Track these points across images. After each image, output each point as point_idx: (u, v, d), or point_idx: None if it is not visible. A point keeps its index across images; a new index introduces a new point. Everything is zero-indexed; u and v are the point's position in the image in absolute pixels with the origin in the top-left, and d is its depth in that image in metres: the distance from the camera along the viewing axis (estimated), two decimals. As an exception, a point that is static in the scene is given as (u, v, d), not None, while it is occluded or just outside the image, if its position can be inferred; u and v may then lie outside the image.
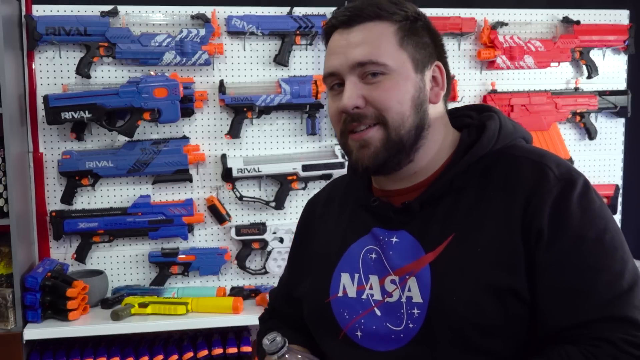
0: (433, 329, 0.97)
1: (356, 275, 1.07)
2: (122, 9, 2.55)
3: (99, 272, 2.58)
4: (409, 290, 1.00)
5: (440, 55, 1.08)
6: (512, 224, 0.96)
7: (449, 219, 1.01)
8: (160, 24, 2.59)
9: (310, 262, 1.18)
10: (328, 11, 2.67)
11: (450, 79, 1.10)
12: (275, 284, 2.84)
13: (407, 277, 1.01)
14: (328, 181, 2.75)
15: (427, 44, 1.05)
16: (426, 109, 1.04)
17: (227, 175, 2.62)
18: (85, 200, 2.62)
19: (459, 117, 1.12)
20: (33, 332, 2.31)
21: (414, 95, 1.02)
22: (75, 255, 2.60)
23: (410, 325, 0.99)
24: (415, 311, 0.99)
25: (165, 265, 2.64)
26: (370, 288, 1.05)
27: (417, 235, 1.02)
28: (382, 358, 1.01)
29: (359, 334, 1.04)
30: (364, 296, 1.05)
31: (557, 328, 0.93)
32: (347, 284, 1.08)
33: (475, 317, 0.95)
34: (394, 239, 1.04)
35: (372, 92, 1.01)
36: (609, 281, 0.92)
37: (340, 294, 1.08)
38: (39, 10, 2.51)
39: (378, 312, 1.03)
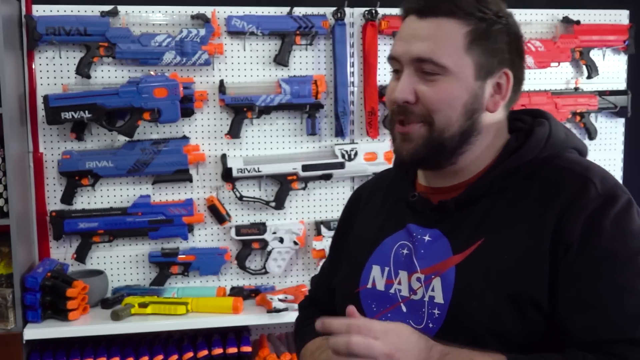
0: (451, 331, 0.97)
1: (386, 269, 1.07)
2: (122, 9, 2.55)
3: (99, 272, 2.58)
4: (432, 290, 1.00)
5: (512, 62, 1.04)
6: (542, 234, 0.95)
7: (481, 222, 1.00)
8: (160, 24, 2.59)
9: (348, 252, 1.19)
10: (328, 11, 2.67)
11: (520, 86, 1.07)
12: (275, 284, 2.86)
13: (432, 276, 1.01)
14: (328, 181, 2.77)
15: (499, 50, 1.01)
16: (478, 116, 1.02)
17: (227, 175, 2.62)
18: (85, 200, 2.62)
19: (512, 121, 1.10)
20: (33, 332, 2.31)
21: (467, 102, 1.00)
22: (75, 255, 2.59)
23: (430, 325, 1.00)
24: (436, 311, 0.99)
25: (165, 265, 2.64)
26: (399, 283, 1.05)
27: (449, 236, 1.02)
28: None
29: None
30: (392, 290, 1.06)
31: (578, 342, 0.92)
32: (377, 277, 1.08)
33: (492, 324, 0.95)
34: (427, 237, 1.04)
35: (425, 90, 1.00)
36: (634, 303, 0.92)
37: (369, 285, 1.09)
38: (39, 10, 2.51)
39: (404, 309, 1.04)
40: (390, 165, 1.26)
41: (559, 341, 0.94)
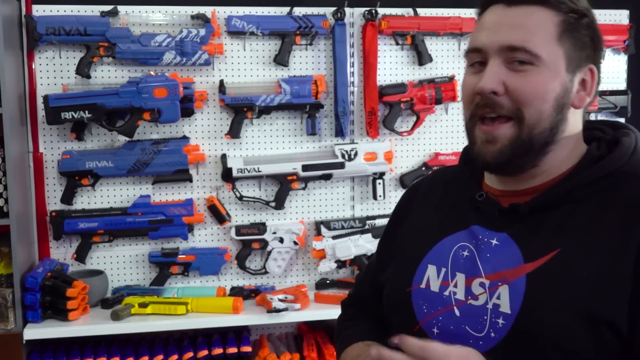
0: (516, 343, 0.92)
1: (443, 270, 1.02)
2: (122, 9, 2.55)
3: (99, 272, 2.58)
4: (498, 298, 0.94)
5: (596, 59, 1.00)
6: (626, 255, 0.89)
7: (557, 231, 0.94)
8: (160, 24, 2.59)
9: (400, 248, 1.14)
10: (328, 11, 2.67)
11: (598, 86, 1.02)
12: (275, 284, 2.85)
13: (499, 283, 0.95)
14: (328, 181, 2.76)
15: (586, 44, 0.97)
16: (567, 112, 0.97)
17: (227, 175, 2.62)
18: (85, 200, 2.62)
19: (590, 130, 1.05)
20: (33, 332, 2.31)
21: (559, 95, 0.95)
22: (75, 255, 2.60)
23: (492, 335, 0.94)
24: (500, 321, 0.93)
25: (165, 265, 2.64)
26: (455, 286, 1.00)
27: (520, 242, 0.96)
28: None
29: (435, 330, 1.00)
30: (447, 293, 1.01)
31: None
32: (432, 277, 1.03)
33: (563, 341, 0.89)
34: (494, 241, 0.99)
35: (515, 81, 0.94)
36: None
37: (423, 285, 1.04)
38: (39, 10, 2.51)
39: (457, 312, 0.98)
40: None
41: None
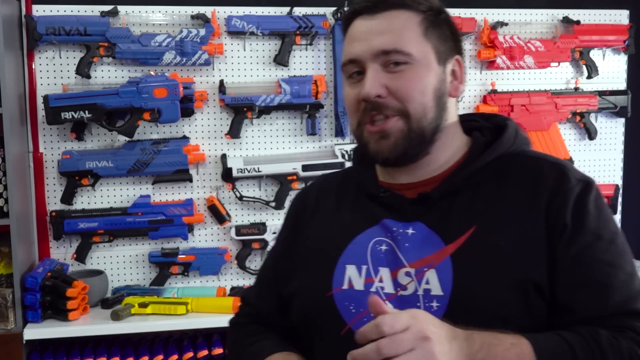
0: (454, 321, 0.93)
1: (364, 267, 1.03)
2: (122, 9, 2.55)
3: (99, 272, 2.58)
4: (427, 283, 0.98)
5: (459, 50, 1.08)
6: (536, 219, 0.98)
7: (468, 211, 1.01)
8: (160, 24, 2.59)
9: (303, 258, 1.13)
10: (328, 11, 2.67)
11: (465, 75, 1.11)
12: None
13: (425, 269, 0.99)
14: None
15: (448, 37, 1.05)
16: (446, 101, 1.04)
17: (227, 175, 2.62)
18: (85, 200, 2.62)
19: (466, 122, 1.13)
20: (33, 332, 2.31)
21: (436, 87, 1.02)
22: (75, 255, 2.59)
23: None
24: (434, 304, 0.97)
25: (165, 265, 2.64)
26: (381, 281, 1.02)
27: (435, 227, 1.01)
28: None
29: None
30: (373, 289, 1.02)
31: (581, 320, 0.95)
32: (353, 276, 1.04)
33: (498, 310, 0.95)
34: (410, 231, 1.02)
35: (395, 82, 1.00)
36: (625, 280, 0.97)
37: (345, 286, 1.04)
38: (39, 10, 2.51)
39: (390, 306, 0.99)
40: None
41: (559, 323, 0.96)
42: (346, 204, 1.12)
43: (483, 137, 1.08)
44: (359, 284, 1.03)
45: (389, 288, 1.01)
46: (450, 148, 1.07)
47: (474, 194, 1.02)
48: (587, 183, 1.02)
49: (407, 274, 1.00)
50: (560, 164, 1.05)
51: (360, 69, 1.03)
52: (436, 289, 0.97)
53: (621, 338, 0.92)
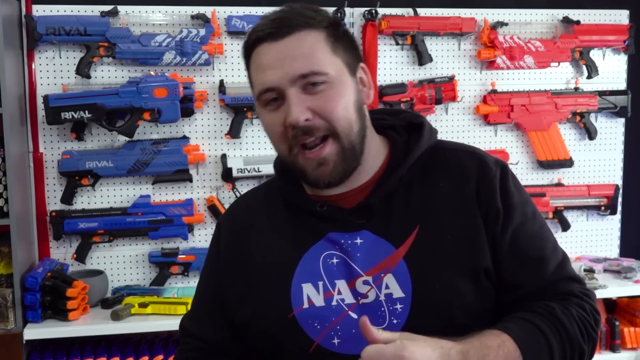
0: (420, 319, 0.99)
1: (320, 283, 1.03)
2: (122, 9, 2.55)
3: (99, 272, 2.58)
4: (387, 288, 1.00)
5: (360, 58, 1.10)
6: (471, 210, 1.03)
7: (408, 212, 1.04)
8: (160, 24, 2.59)
9: (248, 284, 1.09)
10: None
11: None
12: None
13: (382, 275, 1.01)
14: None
15: (350, 47, 1.06)
16: (364, 110, 1.06)
17: (227, 175, 2.62)
18: (85, 200, 2.62)
19: (375, 120, 1.12)
20: (33, 332, 2.31)
21: (355, 99, 1.03)
22: (75, 255, 2.59)
23: (395, 321, 0.99)
24: (398, 306, 1.00)
25: (165, 265, 2.64)
26: (339, 293, 1.02)
27: (381, 233, 1.03)
28: None
29: (336, 341, 1.01)
30: (334, 302, 1.02)
31: (527, 294, 1.03)
32: (311, 294, 1.03)
33: (457, 299, 1.00)
34: (358, 240, 1.03)
35: (318, 103, 0.99)
36: (553, 249, 1.07)
37: (305, 305, 1.03)
38: (39, 10, 2.51)
39: (354, 315, 1.00)
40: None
41: (508, 299, 1.04)
42: (282, 222, 1.10)
43: (401, 136, 1.11)
44: (319, 301, 1.03)
45: (349, 299, 1.02)
46: (372, 151, 1.08)
47: (408, 193, 1.05)
48: (503, 166, 1.08)
49: (365, 282, 1.01)
50: (476, 153, 1.10)
51: (278, 95, 1.01)
52: (397, 292, 1.00)
53: (569, 306, 1.01)
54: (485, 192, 1.04)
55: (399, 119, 1.14)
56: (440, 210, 1.04)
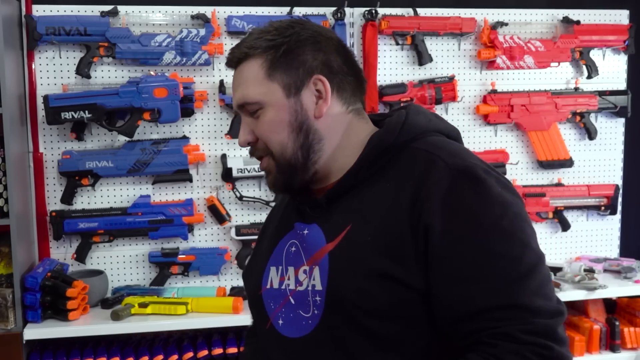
0: (331, 314, 1.03)
1: (280, 268, 1.13)
2: (122, 9, 2.55)
3: (99, 272, 2.58)
4: (314, 279, 1.05)
5: (324, 65, 1.08)
6: (399, 214, 0.99)
7: (348, 210, 1.06)
8: (160, 24, 2.59)
9: (253, 255, 1.28)
10: (328, 11, 2.67)
11: (348, 76, 1.10)
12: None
13: (313, 266, 1.06)
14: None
15: (302, 62, 1.07)
16: (309, 126, 1.08)
17: (227, 175, 2.62)
18: (85, 200, 2.62)
19: (385, 118, 1.15)
20: (33, 332, 2.31)
21: (290, 120, 1.07)
22: (75, 255, 2.60)
23: (315, 312, 1.05)
24: (318, 298, 1.04)
25: (165, 265, 2.64)
26: (289, 279, 1.11)
27: (323, 227, 1.08)
28: (296, 343, 1.07)
29: (280, 322, 1.10)
30: (283, 287, 1.11)
31: (452, 318, 0.95)
32: (273, 277, 1.14)
33: (363, 303, 0.99)
34: (305, 231, 1.10)
35: (257, 128, 1.09)
36: (504, 267, 0.93)
37: (268, 286, 1.14)
38: (39, 10, 2.51)
39: (292, 301, 1.09)
40: None
41: (440, 323, 0.97)
42: (284, 209, 1.23)
43: (379, 133, 1.11)
44: (275, 283, 1.13)
45: (292, 285, 1.10)
46: (348, 152, 1.09)
47: (357, 192, 1.07)
48: (460, 171, 0.98)
49: (305, 271, 1.08)
50: (433, 153, 1.02)
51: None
52: (318, 285, 1.04)
53: (498, 357, 0.89)
54: (421, 199, 0.97)
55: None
56: (374, 211, 1.03)
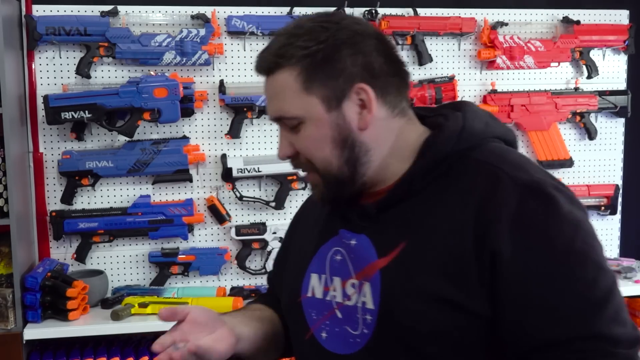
0: (383, 336, 0.97)
1: (323, 276, 1.07)
2: (122, 9, 2.55)
3: (99, 272, 2.58)
4: (364, 296, 0.99)
5: (365, 69, 0.98)
6: (461, 235, 0.91)
7: (403, 224, 0.98)
8: (160, 24, 2.59)
9: (288, 260, 1.21)
10: (328, 11, 2.66)
11: (394, 78, 1.01)
12: (275, 284, 2.83)
13: (363, 282, 0.99)
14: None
15: (340, 69, 0.97)
16: (354, 139, 0.99)
17: (227, 175, 2.62)
18: (85, 200, 2.62)
19: (435, 117, 1.07)
20: (33, 332, 2.31)
21: (333, 135, 0.98)
22: (75, 255, 2.59)
23: (365, 331, 0.98)
24: (368, 317, 0.98)
25: (165, 265, 2.64)
26: (334, 290, 1.04)
27: (374, 240, 1.00)
28: None
29: (324, 335, 1.04)
30: (328, 297, 1.05)
31: (525, 348, 0.89)
32: (315, 285, 1.08)
33: (418, 326, 0.93)
34: (353, 242, 1.03)
35: (297, 142, 1.02)
36: (580, 293, 0.87)
37: (309, 294, 1.08)
38: (39, 10, 2.51)
39: (339, 315, 1.03)
40: None
41: (510, 351, 0.91)
42: (322, 211, 1.14)
43: (435, 138, 1.02)
44: (319, 292, 1.07)
45: (339, 297, 1.03)
46: (398, 160, 1.01)
47: (413, 204, 0.99)
48: (527, 188, 0.91)
49: (353, 285, 1.01)
50: (497, 167, 0.94)
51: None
52: (369, 303, 0.98)
53: None
54: (487, 222, 0.90)
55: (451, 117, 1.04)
56: (434, 229, 0.94)
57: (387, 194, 1.01)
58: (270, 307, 1.24)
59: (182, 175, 2.61)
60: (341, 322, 1.02)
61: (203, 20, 2.57)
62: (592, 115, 2.93)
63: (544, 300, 0.87)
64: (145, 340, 2.55)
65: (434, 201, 0.97)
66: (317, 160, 1.01)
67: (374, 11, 2.67)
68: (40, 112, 2.53)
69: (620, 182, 3.01)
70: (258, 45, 2.67)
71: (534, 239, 0.89)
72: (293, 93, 0.98)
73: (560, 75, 2.93)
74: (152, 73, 2.57)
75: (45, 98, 2.45)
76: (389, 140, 1.02)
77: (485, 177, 0.94)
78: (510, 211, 0.89)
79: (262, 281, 2.73)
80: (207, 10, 2.59)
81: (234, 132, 2.63)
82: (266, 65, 1.01)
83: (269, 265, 2.68)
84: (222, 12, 2.63)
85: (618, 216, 3.02)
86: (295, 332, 1.13)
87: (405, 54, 2.79)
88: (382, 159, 1.01)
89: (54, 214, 2.55)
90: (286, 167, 2.61)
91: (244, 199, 2.67)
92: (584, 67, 2.90)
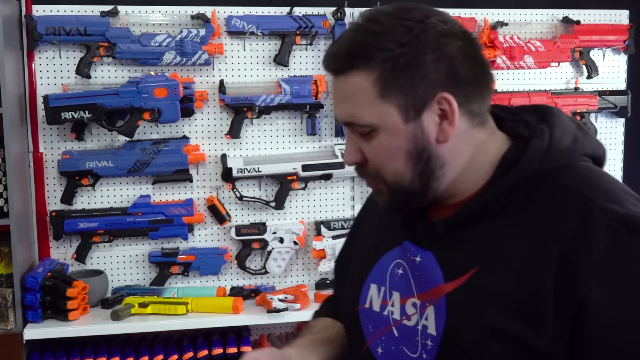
0: None
1: (382, 289, 1.01)
2: (122, 9, 2.55)
3: (99, 272, 2.58)
4: (426, 319, 0.93)
5: (449, 77, 0.88)
6: (541, 271, 0.84)
7: (475, 248, 0.91)
8: (160, 24, 2.59)
9: (348, 267, 1.16)
10: (328, 11, 2.67)
11: (478, 86, 0.93)
12: (275, 284, 2.85)
13: (427, 304, 0.93)
14: (328, 181, 2.76)
15: (422, 76, 0.87)
16: (431, 152, 0.91)
17: (227, 175, 2.62)
18: (85, 200, 2.62)
19: (517, 122, 0.98)
20: (33, 332, 2.31)
21: (409, 147, 0.90)
22: (75, 255, 2.59)
23: (424, 356, 0.93)
24: (429, 343, 0.92)
25: (165, 265, 2.64)
26: (392, 305, 0.99)
27: (441, 261, 0.93)
28: None
29: (379, 350, 1.00)
30: (386, 312, 1.00)
31: None
32: (374, 296, 1.02)
33: (486, 359, 0.88)
34: (418, 258, 0.96)
35: (367, 148, 0.93)
36: None
37: (367, 305, 1.03)
38: (39, 10, 2.51)
39: (395, 333, 0.98)
40: None
41: None
42: (384, 218, 1.06)
43: (515, 153, 0.93)
44: (376, 305, 1.02)
45: (396, 314, 0.98)
46: (475, 173, 0.94)
47: (488, 227, 0.91)
48: (623, 224, 0.82)
49: (414, 304, 0.96)
50: (589, 199, 0.85)
51: None
52: (432, 328, 0.92)
53: None
54: (571, 259, 0.82)
55: (535, 128, 0.95)
56: (511, 258, 0.86)
57: (458, 212, 0.93)
58: (336, 319, 1.19)
59: (182, 175, 2.61)
60: (398, 341, 0.97)
61: (203, 20, 2.57)
62: (592, 115, 2.93)
63: (633, 352, 0.81)
64: (145, 340, 2.56)
65: (511, 227, 0.89)
66: (388, 172, 0.92)
67: (374, 11, 2.67)
68: (40, 112, 2.53)
69: (620, 182, 3.01)
70: (258, 45, 2.67)
71: (626, 286, 0.82)
72: (368, 99, 0.89)
73: (560, 75, 2.93)
74: (152, 73, 2.57)
75: (45, 98, 2.45)
76: (466, 153, 0.93)
77: (575, 210, 0.85)
78: (600, 251, 0.81)
79: (262, 281, 2.74)
80: (207, 10, 2.59)
81: (234, 132, 2.63)
82: (339, 64, 0.91)
83: (269, 265, 2.68)
84: (222, 12, 2.63)
85: (618, 216, 3.02)
86: (352, 342, 1.08)
87: (405, 54, 2.78)
88: (458, 173, 0.93)
89: (54, 214, 2.55)
90: (286, 167, 2.65)
91: (244, 199, 2.67)
92: (584, 67, 2.90)
